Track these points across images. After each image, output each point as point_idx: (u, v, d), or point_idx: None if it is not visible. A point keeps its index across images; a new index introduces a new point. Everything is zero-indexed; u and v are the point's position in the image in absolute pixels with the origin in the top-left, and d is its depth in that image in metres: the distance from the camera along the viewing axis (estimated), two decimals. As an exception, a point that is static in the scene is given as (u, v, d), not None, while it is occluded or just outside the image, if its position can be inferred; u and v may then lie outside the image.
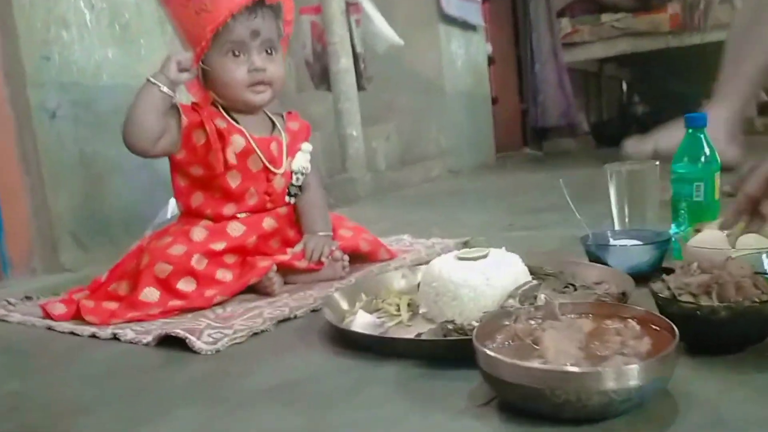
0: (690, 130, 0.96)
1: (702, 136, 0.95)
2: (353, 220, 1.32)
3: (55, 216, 1.46)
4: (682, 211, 0.96)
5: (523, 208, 1.86)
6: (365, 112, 2.54)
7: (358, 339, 0.79)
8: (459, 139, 3.30)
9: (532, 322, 0.63)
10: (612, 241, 0.94)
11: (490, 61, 3.67)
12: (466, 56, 3.39)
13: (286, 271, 1.09)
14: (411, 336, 0.77)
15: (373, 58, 2.60)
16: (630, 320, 0.63)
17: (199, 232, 1.07)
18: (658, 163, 1.04)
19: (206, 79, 1.13)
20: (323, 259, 1.09)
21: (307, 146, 1.21)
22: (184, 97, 1.19)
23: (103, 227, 1.55)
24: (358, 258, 1.19)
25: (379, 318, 0.86)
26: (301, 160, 1.18)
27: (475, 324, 0.70)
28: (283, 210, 1.17)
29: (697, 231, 0.86)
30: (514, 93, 4.22)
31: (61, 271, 1.46)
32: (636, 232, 0.97)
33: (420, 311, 0.87)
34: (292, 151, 1.18)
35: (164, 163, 1.17)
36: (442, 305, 0.81)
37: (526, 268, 0.84)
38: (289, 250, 1.12)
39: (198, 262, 1.02)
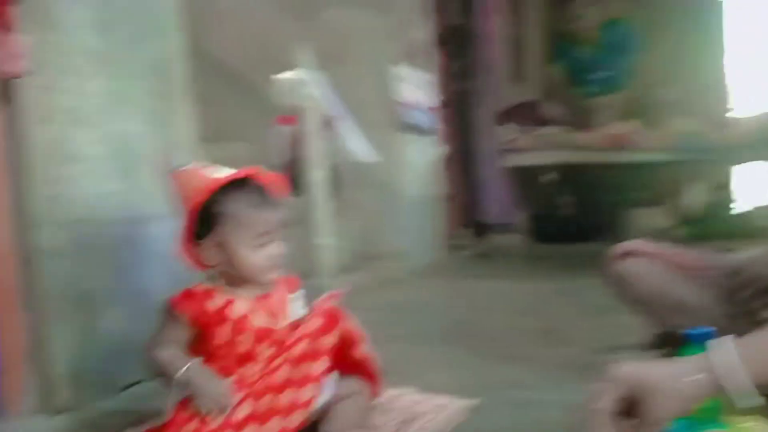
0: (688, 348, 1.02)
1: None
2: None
3: (52, 354, 1.44)
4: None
5: (505, 344, 1.90)
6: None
7: None
8: (413, 237, 3.42)
9: None
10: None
11: (443, 160, 3.85)
12: (421, 159, 3.56)
13: None
14: None
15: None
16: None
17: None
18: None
19: (215, 254, 1.18)
20: None
21: (296, 295, 1.28)
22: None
23: (99, 364, 1.52)
24: None
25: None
26: (297, 309, 1.25)
27: None
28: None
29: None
30: (460, 189, 4.42)
31: (55, 413, 1.43)
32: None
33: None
34: (283, 305, 1.25)
35: (158, 292, 1.23)
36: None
37: None
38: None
39: None
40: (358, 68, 3.25)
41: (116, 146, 1.62)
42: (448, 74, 4.25)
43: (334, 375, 1.22)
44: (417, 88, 3.47)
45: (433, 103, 3.69)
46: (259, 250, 1.17)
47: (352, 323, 1.24)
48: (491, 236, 4.40)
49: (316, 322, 1.20)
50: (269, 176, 1.23)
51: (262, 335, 1.18)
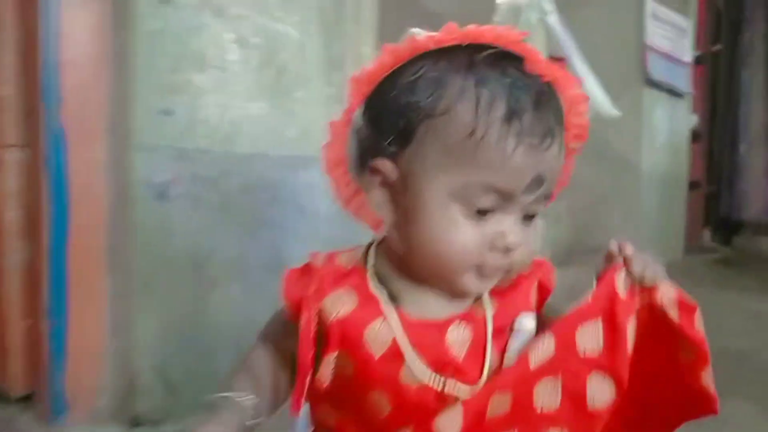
0: None
1: None
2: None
3: (140, 339, 1.00)
4: None
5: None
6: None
7: None
8: (646, 231, 2.66)
9: None
10: None
11: (694, 136, 3.01)
12: (668, 127, 2.76)
13: None
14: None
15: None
16: None
17: None
18: None
19: (385, 203, 0.51)
20: None
21: (527, 323, 0.53)
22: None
23: (201, 360, 1.07)
24: None
25: None
26: (518, 344, 0.52)
27: None
28: None
29: None
30: (703, 174, 3.53)
31: (132, 424, 0.99)
32: None
33: None
34: (501, 336, 0.52)
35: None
36: None
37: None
38: None
39: None
40: (601, 2, 2.53)
41: (265, 52, 1.14)
42: (709, 24, 3.35)
43: None
44: (673, 35, 2.67)
45: (689, 57, 2.86)
46: (477, 220, 0.48)
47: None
48: (744, 237, 3.45)
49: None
50: (553, 67, 0.49)
51: (415, 403, 0.50)
